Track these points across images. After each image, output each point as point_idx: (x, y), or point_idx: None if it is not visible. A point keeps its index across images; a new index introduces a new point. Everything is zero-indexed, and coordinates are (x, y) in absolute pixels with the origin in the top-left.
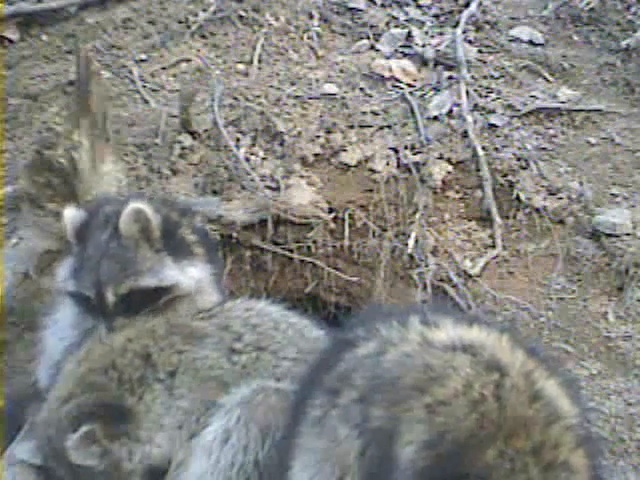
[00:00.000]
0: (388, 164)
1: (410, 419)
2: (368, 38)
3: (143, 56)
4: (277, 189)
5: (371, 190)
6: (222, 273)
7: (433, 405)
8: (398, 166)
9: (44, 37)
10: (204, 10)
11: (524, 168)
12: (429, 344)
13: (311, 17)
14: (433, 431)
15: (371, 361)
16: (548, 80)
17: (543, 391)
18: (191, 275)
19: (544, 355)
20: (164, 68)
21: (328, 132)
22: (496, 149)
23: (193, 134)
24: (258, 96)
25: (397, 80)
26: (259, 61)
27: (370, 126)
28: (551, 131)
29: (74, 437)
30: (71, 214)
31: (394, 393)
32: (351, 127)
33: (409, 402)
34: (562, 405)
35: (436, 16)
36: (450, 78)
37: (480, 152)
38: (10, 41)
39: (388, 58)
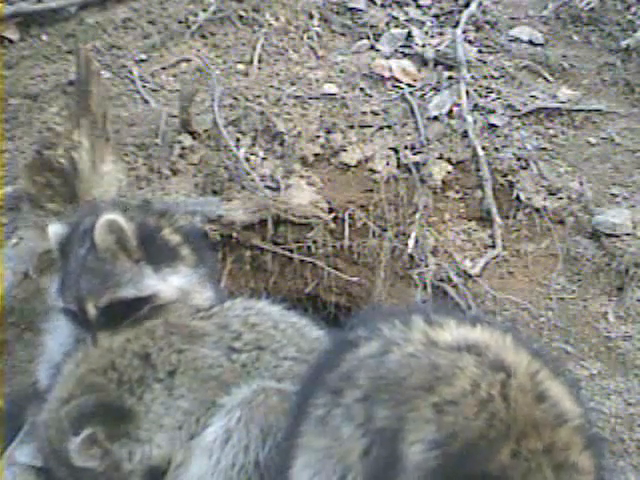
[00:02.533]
0: (388, 164)
1: (416, 418)
2: (368, 38)
3: (143, 56)
4: (277, 189)
5: (371, 190)
6: (215, 268)
7: (441, 404)
8: (398, 166)
9: (44, 37)
10: (204, 10)
11: (524, 168)
12: (434, 344)
13: (311, 17)
14: (442, 431)
15: (374, 361)
16: (548, 80)
17: (548, 392)
18: (173, 283)
19: (547, 356)
20: (164, 68)
21: (328, 132)
22: (496, 149)
23: (193, 134)
24: (258, 96)
25: (397, 80)
26: (259, 61)
27: (370, 126)
28: (551, 131)
29: (76, 441)
30: (54, 230)
31: (400, 393)
32: (351, 127)
33: (415, 402)
34: (567, 406)
35: (436, 16)
36: (450, 78)
37: (480, 152)
38: (10, 41)
39: (388, 58)
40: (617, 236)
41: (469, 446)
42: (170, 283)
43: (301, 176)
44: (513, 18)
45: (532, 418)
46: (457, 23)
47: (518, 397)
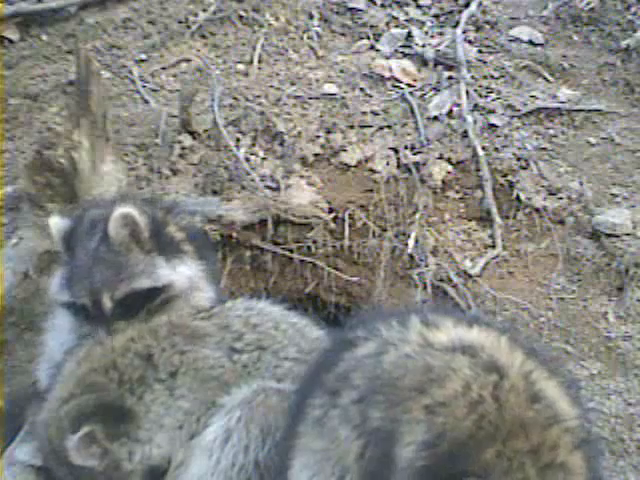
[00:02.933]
0: (388, 164)
1: (409, 420)
2: (368, 38)
3: (143, 56)
4: (277, 189)
5: (371, 190)
6: (215, 268)
7: (432, 406)
8: (398, 166)
9: (44, 37)
10: (204, 10)
11: (524, 168)
12: (429, 345)
13: (311, 17)
14: (432, 431)
15: (371, 361)
16: (548, 80)
17: (543, 392)
18: (183, 273)
19: (544, 356)
20: (164, 68)
21: (328, 132)
22: (496, 149)
23: (193, 134)
24: (258, 96)
25: (397, 80)
26: (259, 61)
27: (370, 126)
28: (551, 131)
29: (74, 438)
30: (56, 222)
31: (394, 394)
32: (351, 127)
33: (408, 403)
34: (562, 407)
35: (436, 16)
36: (450, 78)
37: (480, 152)
38: (10, 41)
39: (388, 58)
40: (617, 236)
41: (456, 446)
42: (181, 273)
43: (301, 176)
44: (513, 18)
45: (522, 419)
46: (457, 23)
47: (510, 398)
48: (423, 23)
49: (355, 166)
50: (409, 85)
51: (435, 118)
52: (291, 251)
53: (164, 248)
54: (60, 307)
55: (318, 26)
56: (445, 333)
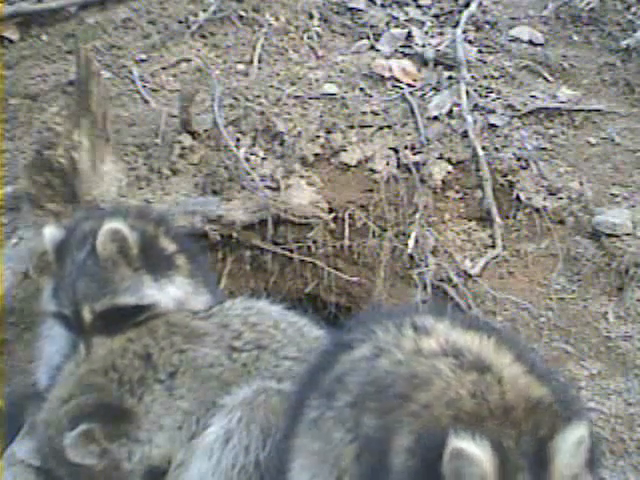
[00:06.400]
0: (388, 164)
1: (400, 428)
2: (368, 38)
3: (143, 56)
4: (277, 189)
5: (371, 190)
6: (211, 273)
7: (417, 410)
8: (398, 166)
9: (44, 37)
10: (204, 10)
11: (524, 168)
12: (419, 352)
13: (311, 17)
14: (415, 434)
15: (365, 365)
16: (548, 80)
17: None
18: (170, 294)
19: (534, 358)
20: (164, 68)
21: (328, 132)
22: (496, 149)
23: (193, 134)
24: (258, 96)
25: (397, 80)
26: (259, 61)
27: (370, 126)
28: (551, 131)
29: (72, 435)
30: (50, 233)
31: (384, 401)
32: (351, 127)
33: (397, 412)
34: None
35: (436, 16)
36: (450, 78)
37: (480, 152)
38: (10, 41)
39: (388, 58)
40: (617, 236)
41: (436, 447)
42: (168, 293)
43: (301, 176)
44: (513, 18)
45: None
46: (457, 23)
47: (492, 393)
48: (423, 23)
49: (355, 166)
50: (409, 85)
51: (435, 118)
52: (291, 251)
53: (154, 265)
54: (50, 317)
55: (318, 26)
56: (435, 339)
